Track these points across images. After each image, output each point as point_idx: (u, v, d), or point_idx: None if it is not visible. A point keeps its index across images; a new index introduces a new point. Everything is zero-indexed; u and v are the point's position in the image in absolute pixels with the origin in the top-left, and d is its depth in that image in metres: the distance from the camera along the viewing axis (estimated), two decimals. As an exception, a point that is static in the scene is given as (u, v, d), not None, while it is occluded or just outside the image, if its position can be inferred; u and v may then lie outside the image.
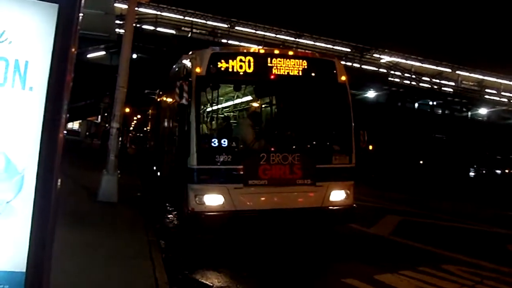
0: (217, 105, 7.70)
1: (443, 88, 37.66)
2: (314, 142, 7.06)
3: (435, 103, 36.45)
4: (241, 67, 6.18)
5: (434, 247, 6.94)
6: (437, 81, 38.17)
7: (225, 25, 31.96)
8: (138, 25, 21.17)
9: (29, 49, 1.78)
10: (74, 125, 47.97)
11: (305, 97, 7.06)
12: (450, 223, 9.83)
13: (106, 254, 5.08)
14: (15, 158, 1.76)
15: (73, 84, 1.91)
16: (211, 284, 4.89)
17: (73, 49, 1.87)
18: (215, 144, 6.15)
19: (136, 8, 13.49)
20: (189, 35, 28.16)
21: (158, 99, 13.43)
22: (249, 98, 8.33)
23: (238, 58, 6.19)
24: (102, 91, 26.71)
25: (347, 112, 6.80)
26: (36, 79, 1.78)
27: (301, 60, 6.54)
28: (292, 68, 6.45)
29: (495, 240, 8.30)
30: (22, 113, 1.77)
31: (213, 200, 5.99)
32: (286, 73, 6.42)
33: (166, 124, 10.12)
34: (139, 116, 43.56)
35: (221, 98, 8.22)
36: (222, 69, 6.13)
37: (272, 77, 6.39)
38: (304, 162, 6.32)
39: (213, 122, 7.68)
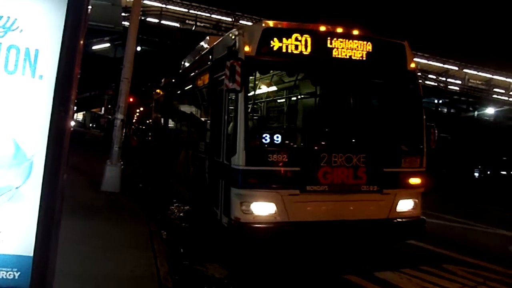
0: (268, 92, 6.52)
1: (449, 87, 37.45)
2: (381, 141, 5.84)
3: (440, 101, 36.25)
4: (296, 47, 5.18)
5: (436, 247, 6.93)
6: (443, 79, 37.97)
7: (230, 19, 31.88)
8: (142, 18, 21.20)
9: (39, 38, 1.81)
10: (78, 116, 48.16)
11: (371, 86, 6.06)
12: (453, 223, 9.83)
13: (108, 244, 5.13)
14: (24, 145, 1.81)
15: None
16: (211, 275, 4.95)
17: (81, 40, 1.91)
18: (266, 140, 5.12)
19: (142, 0, 13.48)
20: (193, 28, 28.15)
21: (169, 88, 12.13)
22: (305, 85, 6.78)
23: (294, 36, 5.18)
24: (106, 83, 26.78)
25: (417, 106, 5.87)
26: (46, 68, 1.82)
27: (367, 42, 5.55)
28: (357, 51, 5.49)
29: (499, 241, 8.29)
30: (32, 100, 1.81)
31: (263, 209, 5.02)
32: (350, 57, 5.45)
33: (186, 115, 8.99)
34: (141, 109, 43.64)
35: (273, 84, 6.87)
36: (275, 48, 5.12)
37: (334, 61, 5.40)
38: (371, 165, 5.37)
39: (263, 113, 6.54)
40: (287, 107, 6.65)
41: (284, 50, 5.15)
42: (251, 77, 5.34)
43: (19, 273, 1.82)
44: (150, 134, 18.50)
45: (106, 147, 10.00)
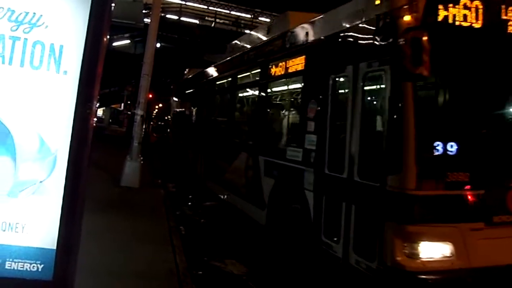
0: (435, 81, 4.40)
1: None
2: None
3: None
4: (465, 17, 3.65)
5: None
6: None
7: (249, 16, 31.86)
8: (162, 14, 21.38)
9: (64, 34, 1.83)
10: (98, 112, 49.04)
11: None
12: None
13: (127, 238, 5.19)
14: (48, 139, 1.83)
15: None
16: (230, 271, 4.96)
17: (105, 36, 1.93)
18: (438, 151, 3.59)
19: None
20: (213, 25, 28.23)
21: (208, 78, 10.03)
22: (483, 72, 4.24)
23: (465, 2, 3.66)
24: (126, 79, 27.18)
25: None
26: (70, 64, 1.84)
27: None
28: None
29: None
30: (56, 96, 1.84)
31: (436, 251, 3.58)
32: None
33: (251, 110, 7.49)
34: (160, 105, 44.11)
35: (442, 68, 4.41)
36: (440, 18, 3.60)
37: None
38: None
39: (432, 111, 4.38)
40: (459, 103, 4.38)
41: (450, 21, 3.62)
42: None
43: (42, 265, 1.85)
44: (170, 130, 18.22)
45: (126, 143, 10.13)
